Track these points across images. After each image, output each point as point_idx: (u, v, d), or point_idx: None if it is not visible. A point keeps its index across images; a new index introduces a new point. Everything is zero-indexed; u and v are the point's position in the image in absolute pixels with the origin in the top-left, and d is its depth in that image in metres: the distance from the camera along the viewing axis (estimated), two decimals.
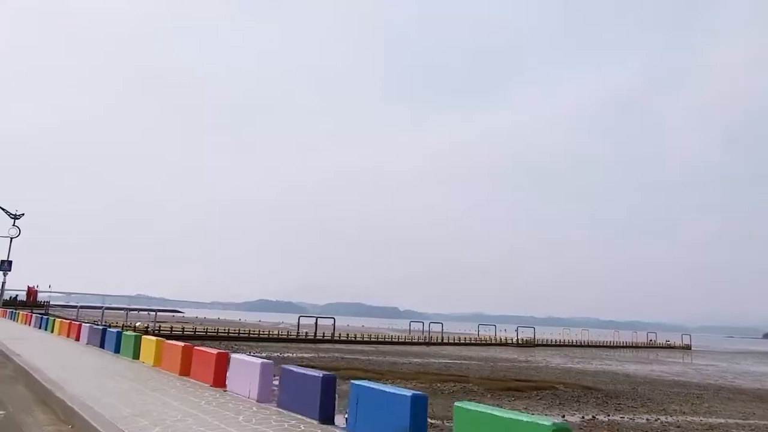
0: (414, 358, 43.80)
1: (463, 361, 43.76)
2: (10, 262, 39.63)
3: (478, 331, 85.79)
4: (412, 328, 79.39)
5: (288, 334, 62.08)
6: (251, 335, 58.62)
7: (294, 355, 40.81)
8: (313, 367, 28.80)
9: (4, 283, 39.40)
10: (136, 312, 65.20)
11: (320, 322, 64.51)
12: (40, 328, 29.51)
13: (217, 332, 57.07)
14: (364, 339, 66.74)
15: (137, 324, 53.01)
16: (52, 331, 26.89)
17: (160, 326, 53.28)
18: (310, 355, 41.87)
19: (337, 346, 57.85)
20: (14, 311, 40.20)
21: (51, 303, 70.40)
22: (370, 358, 42.32)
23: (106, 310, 59.03)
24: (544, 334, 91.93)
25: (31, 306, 60.40)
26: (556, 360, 53.87)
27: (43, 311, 58.60)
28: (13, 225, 38.93)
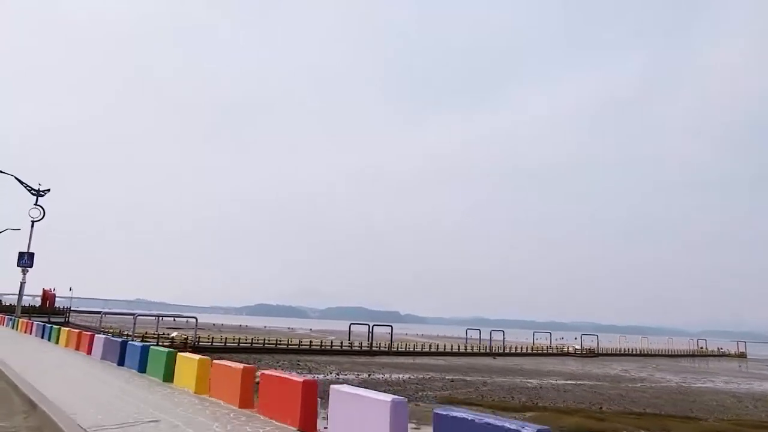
0: (503, 377, 35.71)
1: (576, 382, 35.57)
2: (31, 255, 30.15)
3: (534, 339, 77.72)
4: (469, 336, 71.13)
5: (341, 346, 53.73)
6: (301, 347, 50.30)
7: (383, 376, 32.45)
8: (419, 398, 20.43)
9: (23, 283, 31.07)
10: (158, 318, 56.63)
11: (375, 330, 56.20)
12: (42, 338, 24.05)
13: (264, 343, 48.75)
14: (423, 351, 58.55)
15: (173, 335, 44.63)
16: (57, 342, 21.37)
17: (199, 337, 45.01)
18: (398, 375, 33.54)
19: (399, 359, 49.59)
20: (13, 318, 32.41)
21: (69, 309, 61.13)
22: (465, 378, 34.18)
23: (118, 315, 50.51)
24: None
25: (49, 313, 51.84)
26: (664, 376, 45.73)
27: (62, 319, 49.93)
28: (36, 205, 30.20)
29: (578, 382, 35.37)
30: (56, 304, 57.68)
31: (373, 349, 54.26)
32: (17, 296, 35.03)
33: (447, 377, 33.37)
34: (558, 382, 34.95)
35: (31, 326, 26.57)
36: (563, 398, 26.28)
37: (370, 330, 56.15)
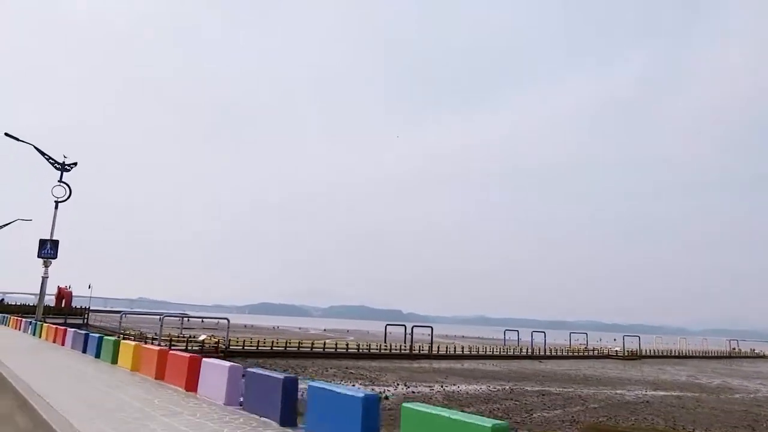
0: (584, 387, 31.23)
1: (666, 393, 31.09)
2: (55, 243, 25.58)
3: (570, 340, 73.34)
4: (507, 338, 66.67)
5: (380, 349, 49.28)
6: (338, 350, 45.90)
7: (458, 387, 27.87)
8: (545, 423, 16.02)
9: (45, 278, 26.50)
10: (183, 319, 51.94)
11: (415, 330, 51.72)
12: (84, 352, 20.09)
13: (299, 347, 44.31)
14: (465, 354, 54.14)
15: (201, 337, 40.14)
16: (114, 362, 17.06)
17: (229, 341, 40.61)
18: (474, 386, 28.96)
19: (445, 363, 45.18)
20: (35, 322, 28.18)
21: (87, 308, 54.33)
22: (550, 389, 29.76)
23: (140, 315, 46.02)
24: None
25: (66, 313, 47.01)
26: (742, 383, 41.25)
27: (80, 320, 45.45)
28: (60, 182, 25.39)
29: (669, 393, 30.92)
30: (72, 303, 52.42)
31: (413, 352, 49.90)
32: (37, 294, 30.95)
33: (528, 388, 28.95)
34: (649, 393, 30.52)
35: (63, 335, 21.54)
36: (699, 418, 21.86)
37: (408, 332, 51.69)
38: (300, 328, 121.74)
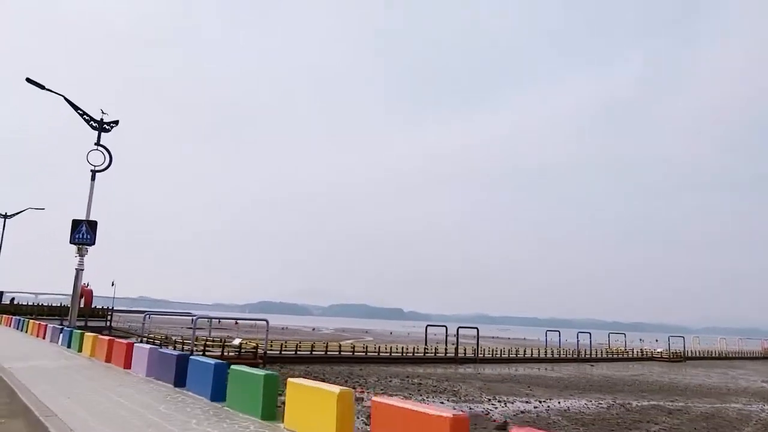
0: (685, 399, 27.05)
1: None
2: (92, 225, 20.59)
3: (609, 340, 69.09)
4: (549, 339, 62.37)
5: (424, 353, 45.01)
6: (381, 355, 41.65)
7: (557, 404, 23.57)
8: None
9: (80, 271, 21.49)
10: (213, 321, 47.59)
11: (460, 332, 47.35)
12: (150, 375, 15.81)
13: (339, 351, 40.00)
14: (511, 357, 49.96)
15: (235, 341, 35.71)
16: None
17: (297, 344, 36.61)
18: (574, 402, 24.68)
19: (498, 369, 40.97)
20: (67, 329, 24.15)
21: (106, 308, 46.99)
22: (658, 403, 25.54)
23: (164, 316, 41.58)
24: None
25: (86, 314, 42.11)
26: None
27: (103, 322, 41.02)
28: (97, 146, 20.22)
29: None
30: (92, 303, 46.97)
31: (458, 356, 45.65)
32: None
33: (634, 402, 24.68)
34: (764, 406, 26.29)
35: (128, 353, 14.61)
36: None
37: (457, 333, 47.36)
38: (314, 329, 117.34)
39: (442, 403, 21.48)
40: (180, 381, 12.03)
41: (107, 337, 17.41)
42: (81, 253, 21.82)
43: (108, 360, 16.19)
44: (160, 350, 13.54)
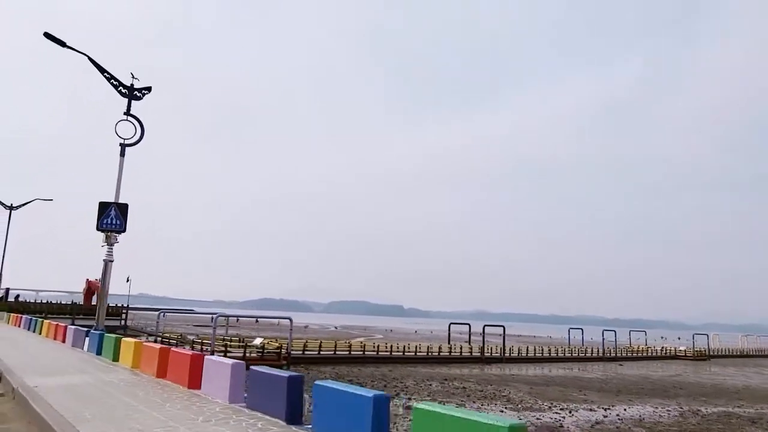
0: (756, 405, 24.97)
1: None
2: (122, 209, 17.89)
3: (630, 338, 67.05)
4: (572, 337, 60.27)
5: (449, 352, 42.88)
6: (406, 354, 39.53)
7: (625, 411, 21.41)
8: None
9: (109, 262, 18.47)
10: (230, 318, 45.19)
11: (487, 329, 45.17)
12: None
13: (364, 351, 37.86)
14: (538, 356, 47.86)
15: (256, 341, 33.49)
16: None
17: (320, 343, 34.59)
18: (647, 409, 22.57)
19: (522, 369, 38.93)
20: (96, 332, 21.81)
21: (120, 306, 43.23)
22: (742, 410, 23.47)
23: (178, 314, 39.26)
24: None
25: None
26: None
27: (118, 321, 38.37)
28: (127, 116, 17.34)
29: None
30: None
31: (484, 356, 43.56)
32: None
33: (703, 409, 22.54)
34: None
35: (196, 367, 10.83)
36: None
37: (483, 332, 45.21)
38: (330, 329, 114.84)
39: (501, 411, 19.36)
40: (294, 414, 8.16)
41: (156, 345, 13.53)
42: (109, 242, 18.32)
43: (161, 375, 12.18)
44: (258, 369, 9.20)
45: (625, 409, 21.35)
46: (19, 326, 32.94)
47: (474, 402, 21.05)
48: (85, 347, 18.67)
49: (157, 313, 36.23)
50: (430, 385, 26.15)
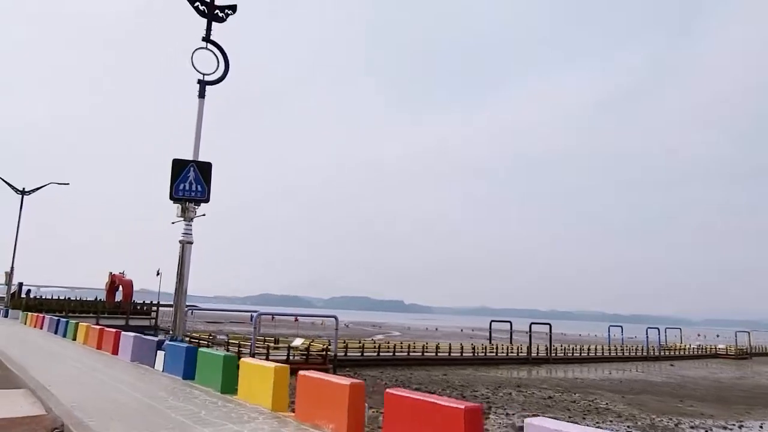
0: None
1: None
2: (204, 170, 13.27)
3: (666, 336, 63.88)
4: (612, 336, 57.17)
5: (496, 353, 39.70)
6: (452, 355, 36.38)
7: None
8: None
9: (187, 245, 13.18)
10: (254, 318, 41.81)
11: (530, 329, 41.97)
12: None
13: (409, 352, 34.64)
14: (583, 356, 44.72)
15: (296, 342, 30.21)
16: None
17: (363, 344, 31.50)
18: None
19: (575, 371, 35.80)
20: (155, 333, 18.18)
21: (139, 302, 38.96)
22: None
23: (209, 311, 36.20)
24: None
25: (128, 312, 33.20)
26: None
27: (147, 321, 34.42)
28: (206, 42, 13.05)
29: None
30: (131, 297, 38.07)
31: (532, 356, 40.44)
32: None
33: None
34: None
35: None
36: None
37: (530, 330, 42.04)
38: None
39: (628, 429, 16.17)
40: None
41: (317, 374, 7.86)
42: (187, 216, 13.10)
43: (312, 420, 7.53)
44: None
45: (761, 426, 18.17)
46: (42, 328, 27.46)
47: (583, 417, 17.86)
48: (159, 365, 13.17)
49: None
50: (510, 393, 22.93)
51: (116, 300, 38.30)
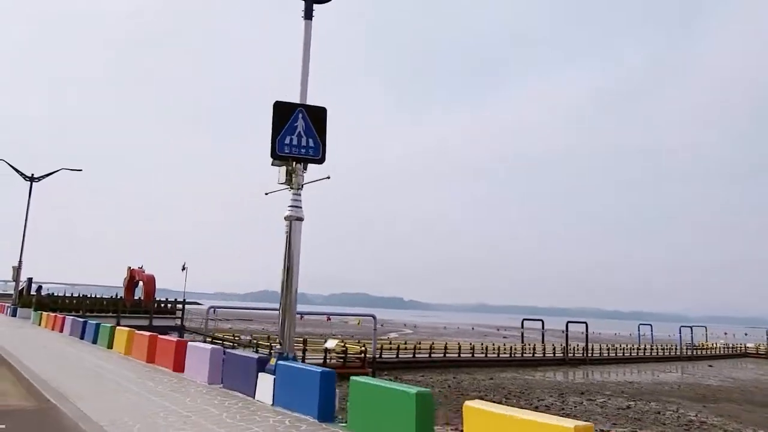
0: None
1: None
2: (317, 119, 9.22)
3: (693, 335, 61.82)
4: (641, 333, 55.17)
5: (533, 354, 37.59)
6: (489, 356, 34.27)
7: None
8: None
9: (297, 221, 9.21)
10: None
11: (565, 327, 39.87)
12: None
13: (445, 353, 32.48)
14: (619, 356, 42.69)
15: (329, 344, 28.02)
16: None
17: (399, 345, 29.13)
18: None
19: (603, 375, 33.71)
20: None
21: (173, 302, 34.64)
22: None
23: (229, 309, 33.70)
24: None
25: (151, 312, 30.79)
26: None
27: (172, 321, 31.72)
28: None
29: None
30: (154, 294, 34.08)
31: (569, 357, 38.38)
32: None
33: None
34: None
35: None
36: None
37: (566, 330, 39.97)
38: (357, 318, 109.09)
39: None
40: None
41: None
42: (293, 185, 9.36)
43: None
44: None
45: None
46: (62, 331, 22.75)
47: (664, 430, 15.75)
48: (264, 395, 8.87)
49: (206, 309, 30.62)
50: (581, 402, 20.79)
51: (134, 297, 35.63)
